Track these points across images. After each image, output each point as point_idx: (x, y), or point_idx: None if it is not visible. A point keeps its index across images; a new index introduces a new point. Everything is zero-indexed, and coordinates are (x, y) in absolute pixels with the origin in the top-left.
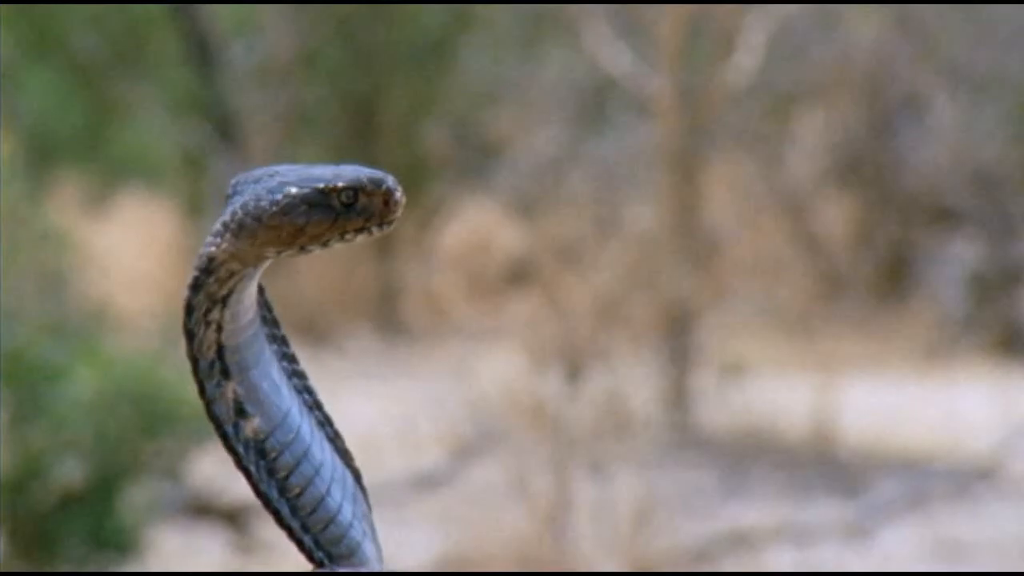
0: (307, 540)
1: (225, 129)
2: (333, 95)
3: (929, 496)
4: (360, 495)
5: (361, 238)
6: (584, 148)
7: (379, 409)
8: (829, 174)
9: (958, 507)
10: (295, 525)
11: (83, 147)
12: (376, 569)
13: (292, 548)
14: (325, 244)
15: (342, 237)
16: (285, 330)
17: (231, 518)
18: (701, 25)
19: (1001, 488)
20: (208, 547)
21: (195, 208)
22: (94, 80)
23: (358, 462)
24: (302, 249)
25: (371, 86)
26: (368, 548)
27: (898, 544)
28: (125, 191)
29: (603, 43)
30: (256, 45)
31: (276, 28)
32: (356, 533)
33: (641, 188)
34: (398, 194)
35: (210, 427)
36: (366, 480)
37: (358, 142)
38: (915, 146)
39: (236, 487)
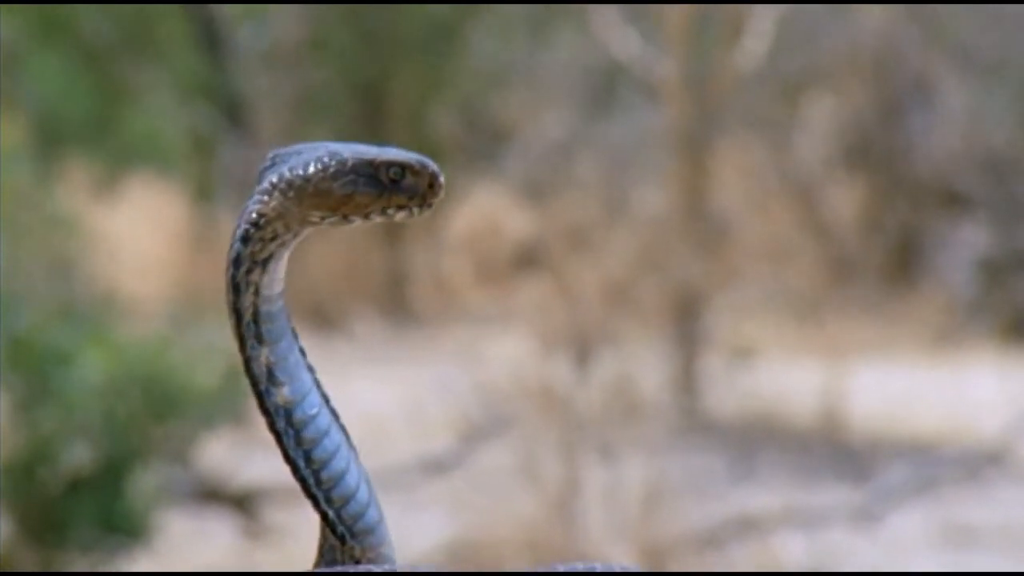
0: (331, 513)
1: (234, 113)
2: (342, 79)
3: (938, 480)
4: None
5: (402, 215)
6: (593, 132)
7: (388, 394)
8: (838, 159)
9: (967, 491)
10: (320, 496)
11: (92, 131)
12: (390, 552)
13: (301, 534)
14: (367, 216)
15: (384, 212)
16: (294, 314)
17: (240, 503)
18: (710, 9)
19: (1011, 472)
20: (217, 532)
21: (204, 193)
22: (103, 64)
23: (367, 447)
24: (345, 218)
25: (380, 70)
26: (384, 530)
27: (907, 529)
28: (134, 176)
29: (612, 27)
30: (264, 29)
31: (284, 12)
32: (374, 512)
33: (650, 172)
34: (441, 178)
35: (219, 412)
36: (375, 465)
37: (367, 126)
38: (924, 131)
39: (246, 472)
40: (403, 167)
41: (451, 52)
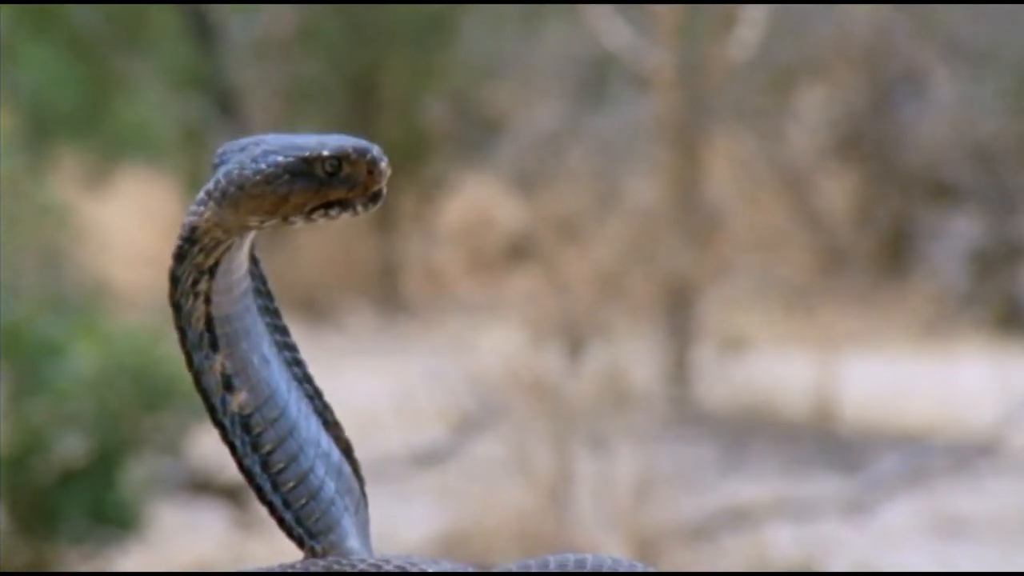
0: (288, 516)
1: (225, 104)
2: (333, 70)
3: (929, 471)
4: (347, 469)
5: (347, 215)
6: (584, 123)
7: (379, 385)
8: (829, 149)
9: (958, 482)
10: (276, 501)
11: (83, 122)
12: (353, 543)
13: None
14: (309, 216)
15: (326, 211)
16: (284, 307)
17: (231, 494)
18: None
19: (1001, 463)
20: (208, 523)
21: (195, 183)
22: (94, 55)
23: (359, 438)
24: (285, 219)
25: (371, 61)
26: (348, 524)
27: (897, 519)
28: (125, 166)
29: (603, 17)
30: (255, 20)
31: (275, 3)
32: (337, 509)
33: (641, 163)
34: (383, 164)
35: None
36: (367, 456)
37: (358, 117)
38: (915, 121)
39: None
40: (339, 158)
41: (442, 43)
